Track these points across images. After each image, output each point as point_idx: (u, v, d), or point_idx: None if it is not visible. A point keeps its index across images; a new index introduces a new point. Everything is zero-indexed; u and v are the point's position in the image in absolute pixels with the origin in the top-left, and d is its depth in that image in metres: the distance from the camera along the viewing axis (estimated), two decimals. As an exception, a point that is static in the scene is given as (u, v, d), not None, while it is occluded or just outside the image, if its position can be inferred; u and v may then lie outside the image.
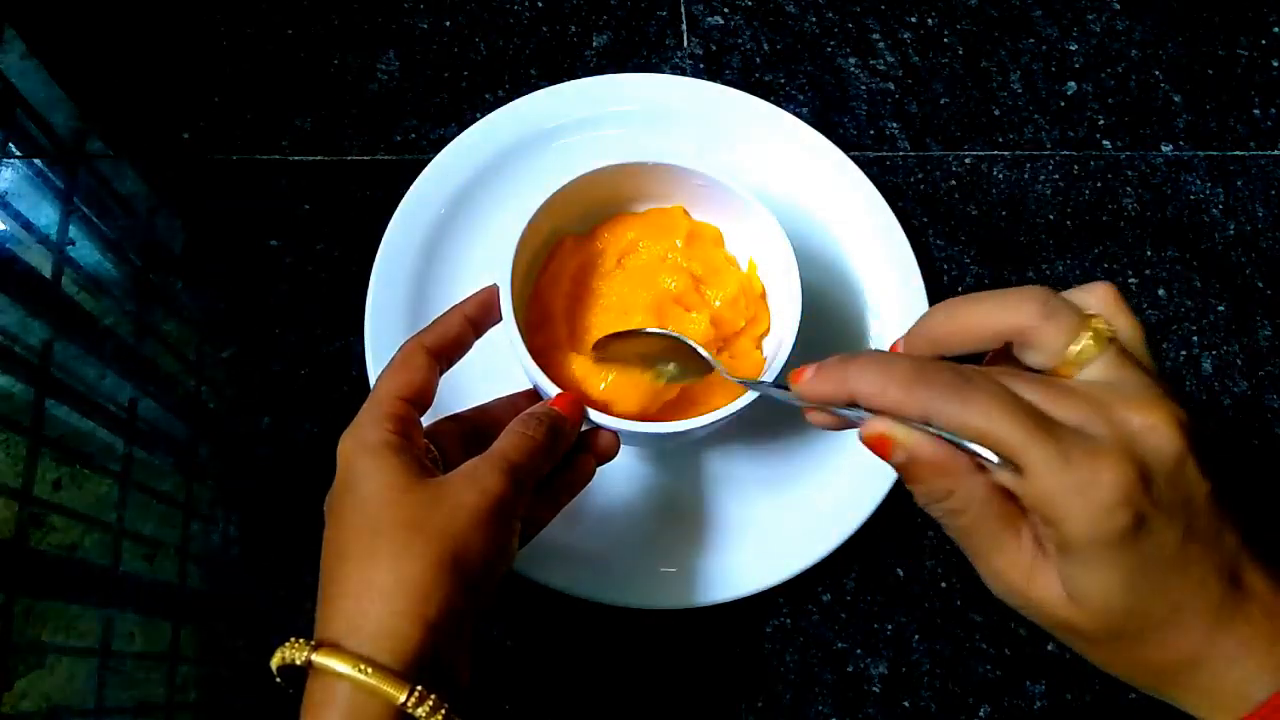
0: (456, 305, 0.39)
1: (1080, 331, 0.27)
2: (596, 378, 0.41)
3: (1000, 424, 0.26)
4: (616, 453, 0.39)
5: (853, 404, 0.29)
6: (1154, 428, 0.26)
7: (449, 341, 0.37)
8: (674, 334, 0.40)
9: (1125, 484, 0.25)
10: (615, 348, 0.41)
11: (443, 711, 0.29)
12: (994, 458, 0.26)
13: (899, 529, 0.48)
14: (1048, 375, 0.28)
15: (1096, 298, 0.29)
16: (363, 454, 0.33)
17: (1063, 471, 0.25)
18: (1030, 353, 0.28)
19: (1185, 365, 0.54)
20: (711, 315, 0.44)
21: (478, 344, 0.40)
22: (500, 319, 0.40)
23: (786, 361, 0.40)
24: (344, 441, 0.34)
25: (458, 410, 0.40)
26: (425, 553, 0.30)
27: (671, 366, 0.41)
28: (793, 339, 0.41)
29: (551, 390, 0.39)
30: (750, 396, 0.39)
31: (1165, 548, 0.26)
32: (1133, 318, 0.29)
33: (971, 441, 0.26)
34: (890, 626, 0.47)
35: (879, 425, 0.28)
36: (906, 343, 0.31)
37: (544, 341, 0.43)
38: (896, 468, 0.29)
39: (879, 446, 0.28)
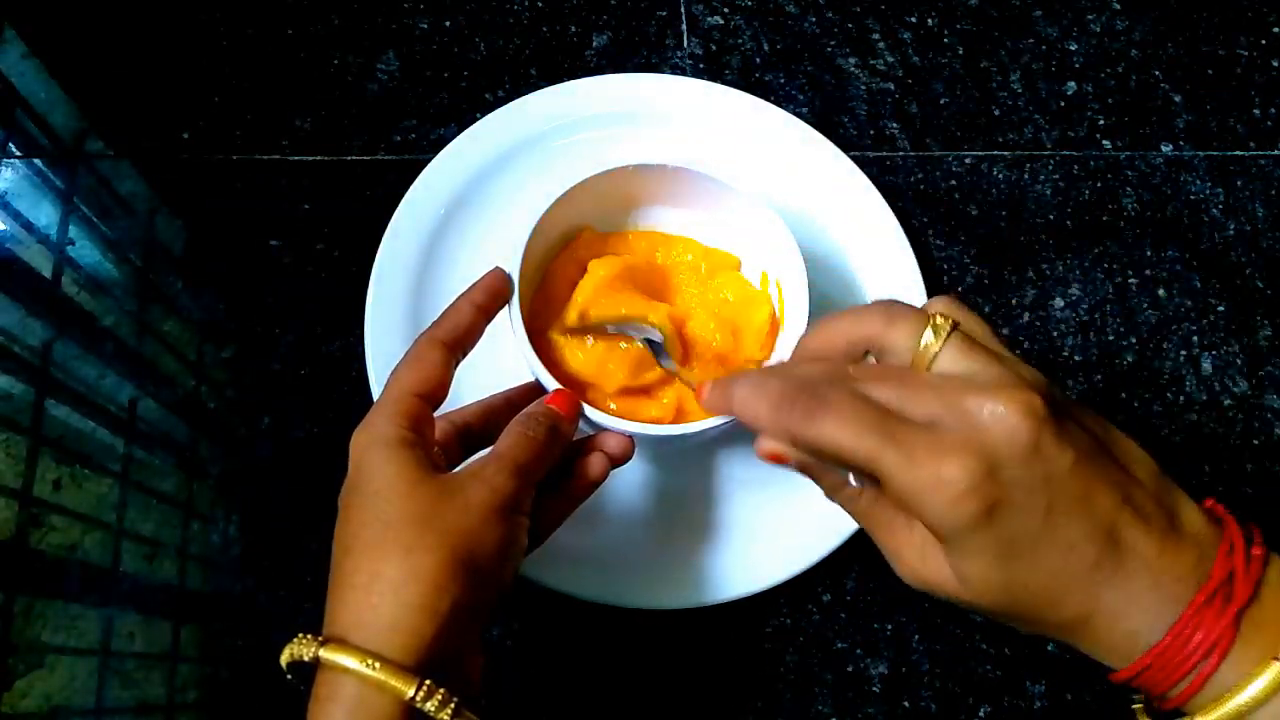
0: (464, 294, 0.39)
1: (922, 328, 0.30)
2: (576, 348, 0.43)
3: (850, 438, 0.28)
4: (631, 456, 0.39)
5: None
6: (1001, 414, 0.27)
7: (462, 332, 0.37)
8: (644, 335, 0.43)
9: (969, 475, 0.27)
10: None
11: (452, 706, 0.28)
12: (851, 480, 0.31)
13: (899, 529, 0.48)
14: (908, 373, 0.30)
15: (938, 305, 0.31)
16: (375, 449, 0.33)
17: (911, 471, 0.27)
18: (887, 356, 0.31)
19: (1185, 365, 0.54)
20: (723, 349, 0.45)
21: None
22: (507, 300, 0.40)
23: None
24: (357, 436, 0.34)
25: (454, 408, 0.40)
26: (437, 547, 0.30)
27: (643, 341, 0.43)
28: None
29: (551, 385, 0.39)
30: None
31: (1027, 525, 0.28)
32: (973, 314, 0.31)
33: (830, 456, 0.29)
34: (890, 626, 0.47)
35: (767, 444, 0.31)
36: (793, 355, 0.35)
37: (542, 325, 0.44)
38: (798, 469, 0.32)
39: (775, 460, 0.31)
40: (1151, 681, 0.29)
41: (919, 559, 0.31)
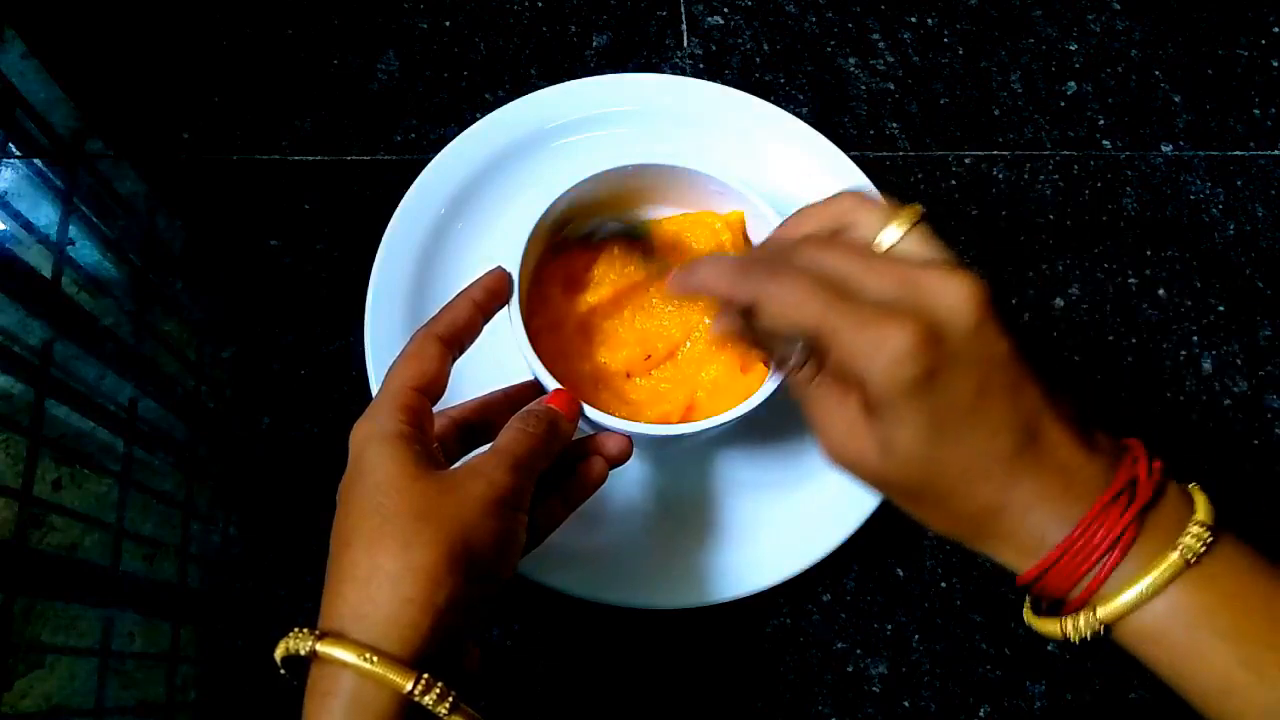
0: (463, 291, 0.39)
1: (890, 214, 0.32)
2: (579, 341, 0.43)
3: (797, 303, 0.30)
4: (629, 456, 0.39)
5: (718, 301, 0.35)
6: (951, 291, 0.29)
7: (459, 328, 0.37)
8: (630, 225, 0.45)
9: (914, 340, 0.28)
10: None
11: (450, 699, 0.28)
12: (797, 353, 0.32)
13: (899, 529, 0.48)
14: (868, 249, 0.32)
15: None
16: (375, 442, 0.33)
17: (855, 333, 0.29)
18: (851, 232, 0.33)
19: (1185, 365, 0.54)
20: None
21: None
22: (507, 300, 0.40)
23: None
24: (357, 430, 0.34)
25: (453, 404, 0.40)
26: (435, 541, 0.30)
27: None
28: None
29: (550, 384, 0.39)
30: (753, 402, 0.39)
31: (960, 399, 0.29)
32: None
33: (779, 323, 0.31)
34: (890, 626, 0.47)
35: (722, 320, 0.34)
36: (764, 240, 0.38)
37: (540, 323, 0.44)
38: (748, 342, 0.35)
39: (728, 335, 0.35)
40: (1055, 580, 0.30)
41: (846, 433, 0.31)
